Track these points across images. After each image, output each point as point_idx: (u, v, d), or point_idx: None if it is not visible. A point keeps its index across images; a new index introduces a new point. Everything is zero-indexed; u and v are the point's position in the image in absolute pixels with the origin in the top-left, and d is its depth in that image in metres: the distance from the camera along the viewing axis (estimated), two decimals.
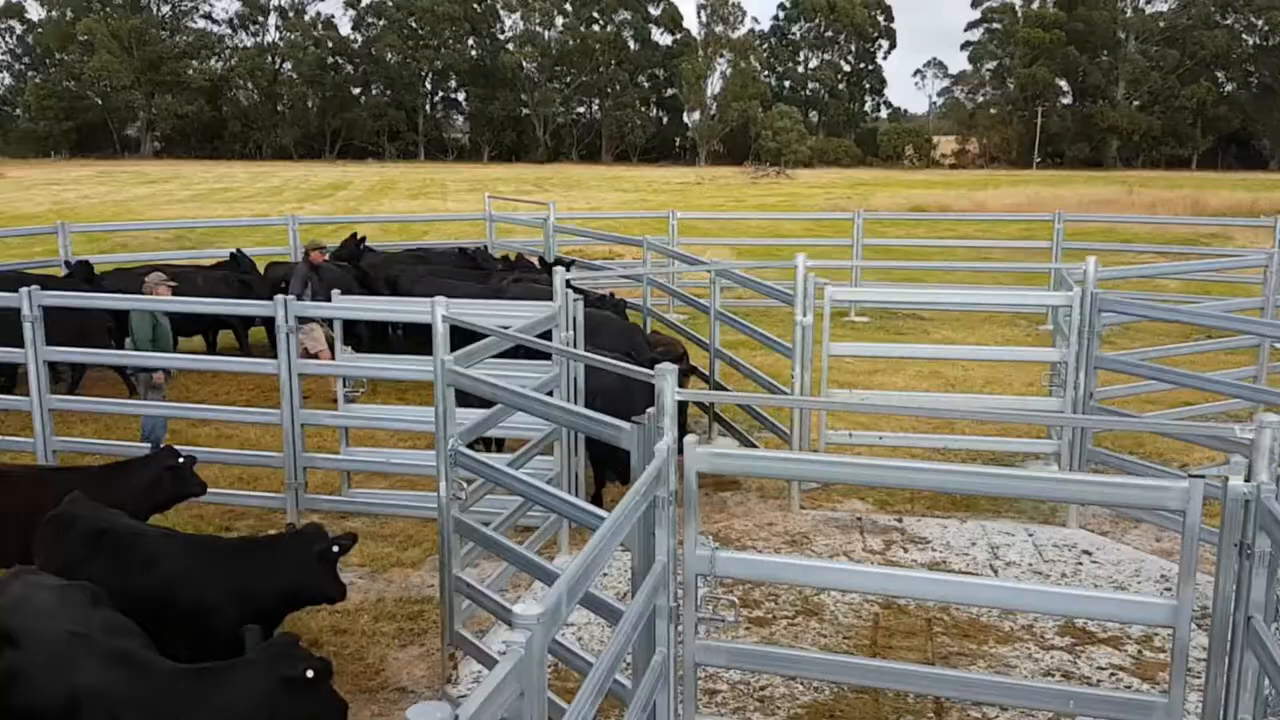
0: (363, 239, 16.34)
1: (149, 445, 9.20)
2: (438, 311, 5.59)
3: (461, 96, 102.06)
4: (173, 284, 10.25)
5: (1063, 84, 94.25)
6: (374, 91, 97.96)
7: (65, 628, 4.68)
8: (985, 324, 17.02)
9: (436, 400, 5.73)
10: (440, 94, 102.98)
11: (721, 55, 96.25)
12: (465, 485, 5.87)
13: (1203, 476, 3.83)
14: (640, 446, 4.25)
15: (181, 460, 6.98)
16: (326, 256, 13.41)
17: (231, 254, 15.27)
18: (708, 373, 10.50)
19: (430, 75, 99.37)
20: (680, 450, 4.26)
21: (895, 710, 5.87)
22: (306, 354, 12.40)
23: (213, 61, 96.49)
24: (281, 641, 4.89)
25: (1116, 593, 4.17)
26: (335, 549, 5.71)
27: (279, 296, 8.24)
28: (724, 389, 10.67)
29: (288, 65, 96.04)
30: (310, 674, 4.58)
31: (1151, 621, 4.89)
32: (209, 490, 9.10)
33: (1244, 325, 9.01)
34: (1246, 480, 3.71)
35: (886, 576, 4.61)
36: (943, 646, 6.65)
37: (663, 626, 4.34)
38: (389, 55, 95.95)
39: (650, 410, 4.20)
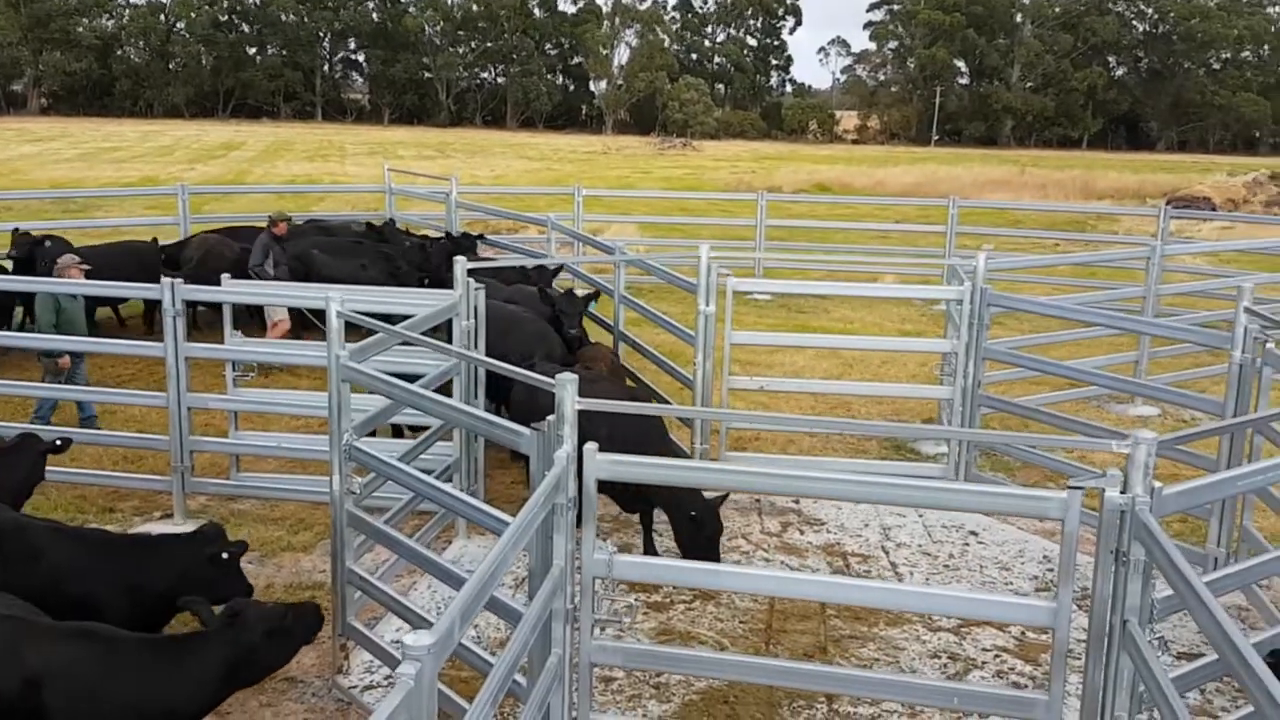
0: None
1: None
2: (332, 306, 5.45)
3: (361, 58, 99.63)
4: (86, 266, 9.89)
5: (961, 65, 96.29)
6: (270, 51, 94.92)
7: None
8: (882, 304, 17.36)
9: (330, 394, 5.61)
10: (340, 55, 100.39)
11: (629, 26, 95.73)
12: (359, 479, 5.77)
13: (1081, 488, 3.96)
14: (540, 453, 4.22)
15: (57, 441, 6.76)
16: (284, 230, 13.10)
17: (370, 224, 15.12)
18: (613, 354, 10.49)
19: (329, 36, 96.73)
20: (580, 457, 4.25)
21: (788, 695, 5.98)
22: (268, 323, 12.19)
23: (104, 19, 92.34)
24: (241, 603, 4.98)
25: (999, 595, 4.30)
26: (225, 555, 5.55)
27: (166, 280, 7.94)
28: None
29: (181, 24, 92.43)
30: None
31: (1032, 623, 5.07)
32: (92, 471, 8.92)
33: (1116, 321, 9.38)
34: (1123, 492, 3.84)
35: (779, 580, 4.68)
36: (835, 630, 6.79)
37: (559, 628, 4.34)
38: (285, 16, 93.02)
39: (550, 417, 4.17)
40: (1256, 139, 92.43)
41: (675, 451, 7.63)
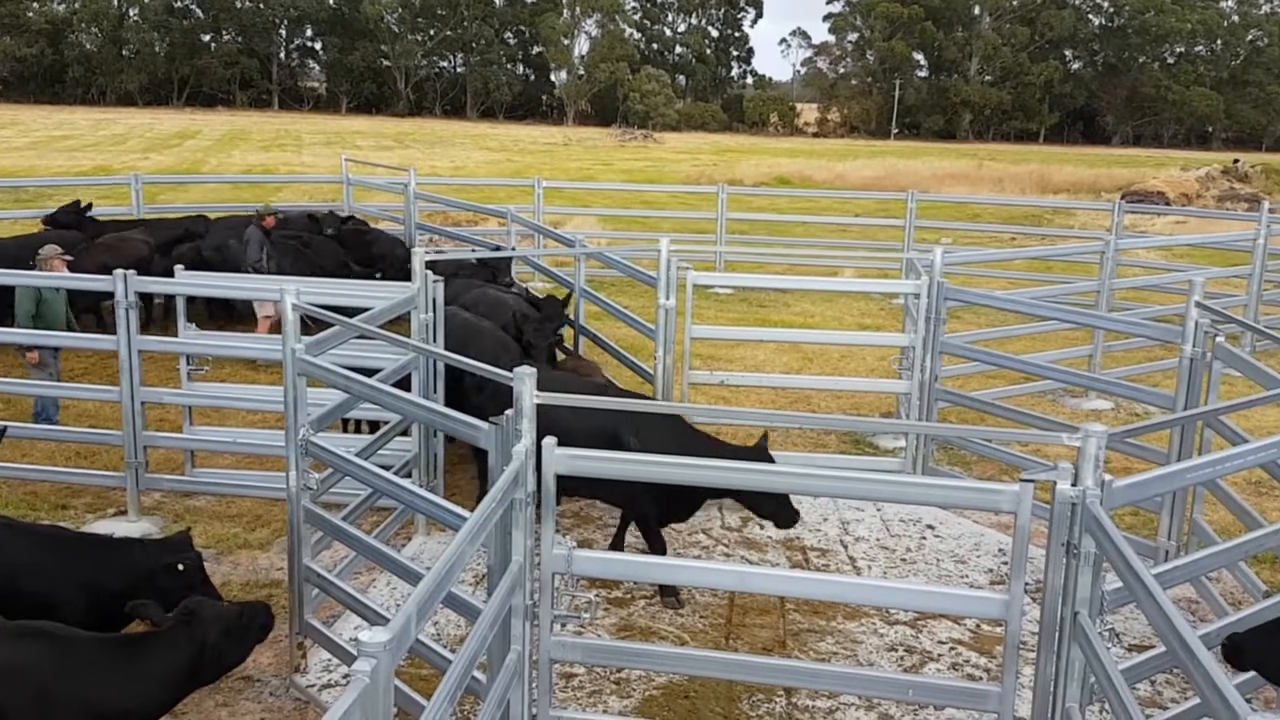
0: (88, 205, 14.58)
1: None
2: (287, 299, 5.40)
3: (318, 46, 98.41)
4: (68, 258, 9.71)
5: (919, 58, 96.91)
6: (225, 38, 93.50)
7: None
8: (842, 298, 17.48)
9: (286, 389, 5.56)
10: (296, 42, 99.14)
11: (589, 15, 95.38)
12: (316, 475, 5.73)
13: (1032, 481, 4.02)
14: (498, 448, 4.21)
15: None
16: (273, 223, 13.17)
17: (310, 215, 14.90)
18: (572, 348, 10.48)
19: (286, 23, 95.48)
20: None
21: (748, 690, 6.01)
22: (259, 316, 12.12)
23: (54, 3, 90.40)
24: (195, 602, 4.95)
25: (952, 588, 4.34)
26: (180, 566, 5.49)
27: (118, 271, 7.82)
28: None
29: (134, 10, 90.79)
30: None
31: (985, 615, 5.14)
32: (44, 468, 8.78)
33: (1071, 316, 9.53)
34: (1073, 485, 3.90)
35: (738, 575, 4.70)
36: (794, 623, 6.84)
37: (518, 625, 4.34)
38: (240, 2, 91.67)
39: (509, 412, 4.16)
40: (1209, 134, 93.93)
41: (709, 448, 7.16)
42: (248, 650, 5.05)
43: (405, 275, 11.94)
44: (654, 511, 7.22)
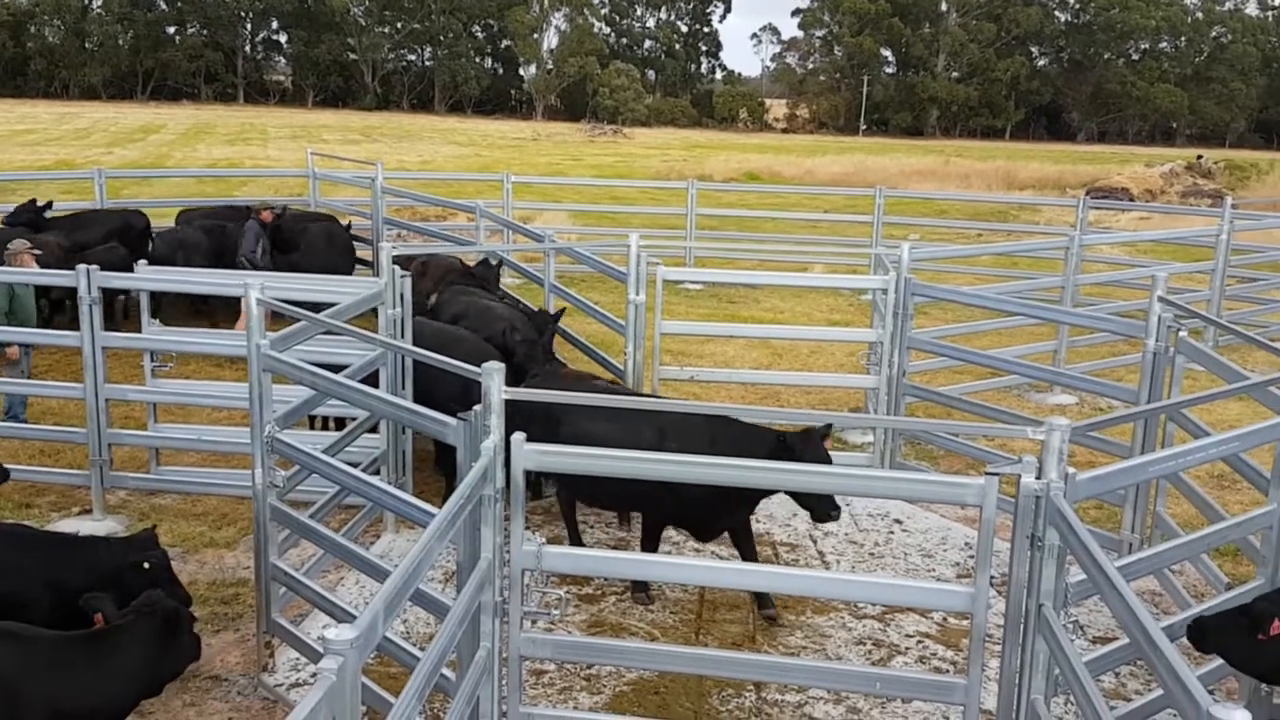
0: (46, 204, 14.16)
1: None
2: (251, 294, 5.35)
3: (284, 39, 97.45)
4: (37, 252, 9.56)
5: (887, 54, 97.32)
6: (190, 31, 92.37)
7: None
8: (811, 294, 17.54)
9: (251, 385, 5.51)
10: (262, 35, 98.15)
11: (557, 9, 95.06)
12: (282, 472, 5.68)
13: (998, 474, 4.05)
14: (467, 444, 4.19)
15: None
16: (270, 218, 13.28)
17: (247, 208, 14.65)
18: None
19: (251, 16, 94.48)
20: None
21: (718, 685, 6.03)
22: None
23: None
24: (153, 596, 4.93)
25: (919, 581, 4.37)
26: (145, 564, 5.44)
27: (82, 266, 7.72)
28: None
29: (97, 3, 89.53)
30: (147, 565, 5.05)
31: (952, 608, 5.17)
32: (8, 465, 8.63)
33: (1036, 311, 9.62)
34: (1038, 478, 3.94)
35: (708, 571, 4.71)
36: (761, 615, 6.86)
37: (488, 622, 4.33)
38: None
39: (477, 408, 4.15)
40: (1173, 130, 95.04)
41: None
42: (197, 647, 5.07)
43: (328, 269, 12.10)
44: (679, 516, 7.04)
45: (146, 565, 5.45)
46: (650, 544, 7.09)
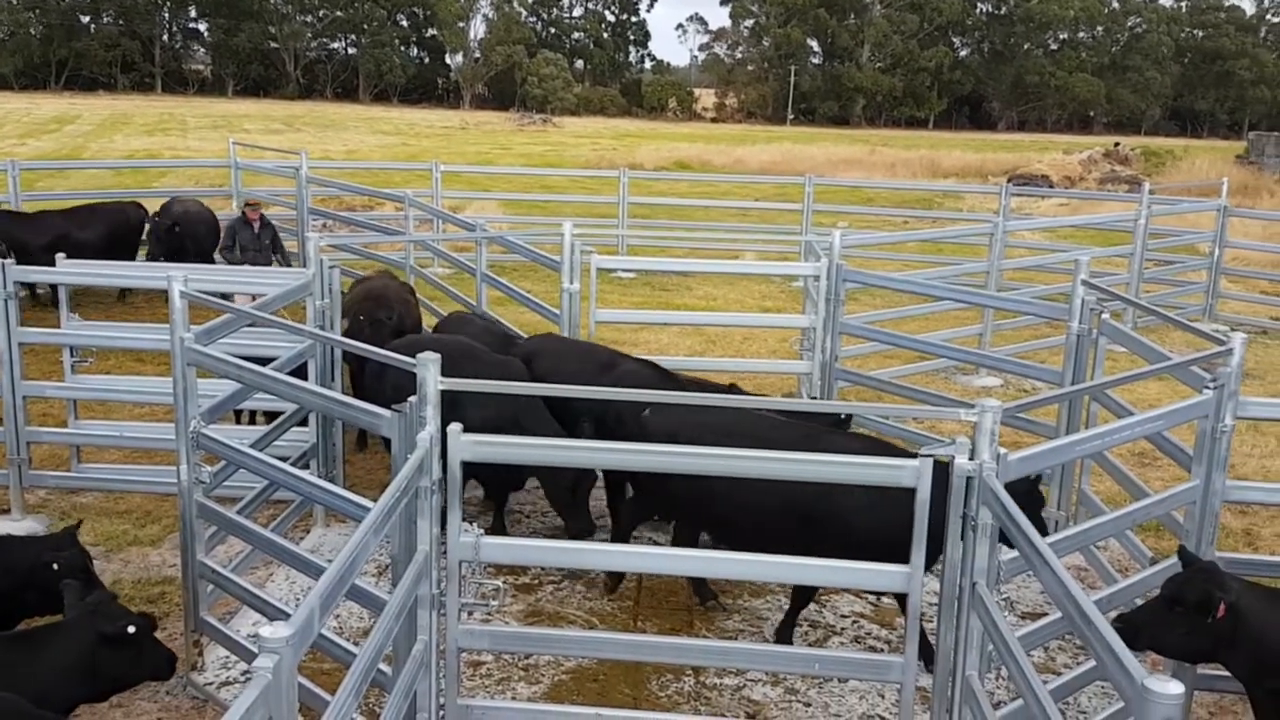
0: None
1: None
2: (174, 286, 5.20)
3: (203, 27, 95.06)
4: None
5: (814, 44, 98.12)
6: (105, 19, 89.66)
7: None
8: (743, 281, 17.63)
9: (175, 380, 5.37)
10: (180, 23, 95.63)
11: None
12: (208, 468, 5.55)
13: (932, 456, 4.10)
14: (402, 436, 4.13)
15: None
16: (256, 216, 13.06)
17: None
18: None
19: (168, 4, 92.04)
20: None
21: (657, 670, 6.04)
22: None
23: None
24: (99, 598, 4.80)
25: (855, 563, 4.40)
26: (55, 565, 5.26)
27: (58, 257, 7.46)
28: None
29: None
30: (132, 629, 4.61)
31: (888, 588, 5.23)
32: None
33: (963, 296, 9.78)
34: (970, 458, 3.99)
35: (644, 557, 4.71)
36: (700, 604, 6.89)
37: (425, 615, 4.27)
38: None
39: (412, 399, 4.09)
40: (1091, 118, 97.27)
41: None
42: (149, 656, 4.85)
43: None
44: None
45: (56, 566, 5.26)
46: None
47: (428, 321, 10.59)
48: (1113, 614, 4.62)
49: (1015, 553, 3.95)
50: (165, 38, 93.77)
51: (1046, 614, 5.60)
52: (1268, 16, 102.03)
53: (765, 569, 4.72)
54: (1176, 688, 2.57)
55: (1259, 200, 27.25)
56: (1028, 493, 5.51)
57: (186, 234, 13.84)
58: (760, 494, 5.46)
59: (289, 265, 12.87)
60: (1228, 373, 5.10)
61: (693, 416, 6.14)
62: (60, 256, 8.24)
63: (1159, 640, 4.46)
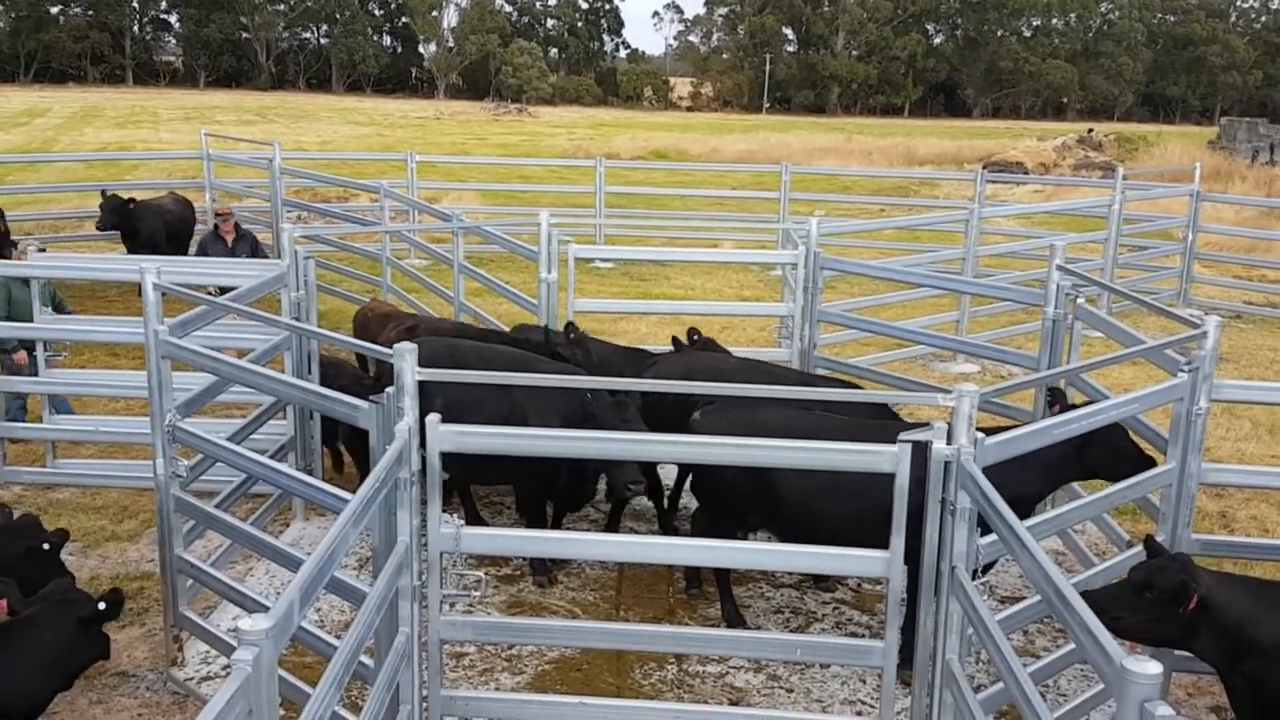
0: None
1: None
2: (148, 278, 5.15)
3: (174, 18, 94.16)
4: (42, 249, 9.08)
5: (789, 33, 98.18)
6: (74, 11, 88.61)
7: None
8: (721, 270, 17.64)
9: (150, 373, 5.31)
10: (150, 14, 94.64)
11: None
12: (185, 461, 5.51)
13: (910, 442, 4.12)
14: (380, 427, 4.11)
15: None
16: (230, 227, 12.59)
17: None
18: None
19: None
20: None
21: (640, 659, 6.05)
22: None
23: None
24: (59, 586, 4.82)
25: (835, 549, 4.41)
26: (45, 546, 5.24)
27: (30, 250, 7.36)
28: None
29: None
30: (103, 606, 4.66)
31: (868, 574, 5.26)
32: None
33: (940, 282, 9.82)
34: (948, 443, 4.01)
35: (626, 546, 4.70)
36: (682, 592, 6.90)
37: (406, 606, 4.26)
38: None
39: (389, 389, 4.06)
40: (1065, 105, 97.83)
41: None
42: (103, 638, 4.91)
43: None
44: None
45: (47, 547, 5.26)
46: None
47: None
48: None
49: (994, 537, 3.97)
50: (135, 29, 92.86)
51: (1025, 597, 5.64)
52: (1237, 2, 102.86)
53: (748, 556, 4.72)
54: (1155, 668, 2.59)
55: (1231, 185, 27.45)
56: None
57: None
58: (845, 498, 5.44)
59: None
60: (1202, 356, 5.14)
61: (745, 417, 5.84)
62: (31, 249, 8.14)
63: (1121, 622, 4.44)
